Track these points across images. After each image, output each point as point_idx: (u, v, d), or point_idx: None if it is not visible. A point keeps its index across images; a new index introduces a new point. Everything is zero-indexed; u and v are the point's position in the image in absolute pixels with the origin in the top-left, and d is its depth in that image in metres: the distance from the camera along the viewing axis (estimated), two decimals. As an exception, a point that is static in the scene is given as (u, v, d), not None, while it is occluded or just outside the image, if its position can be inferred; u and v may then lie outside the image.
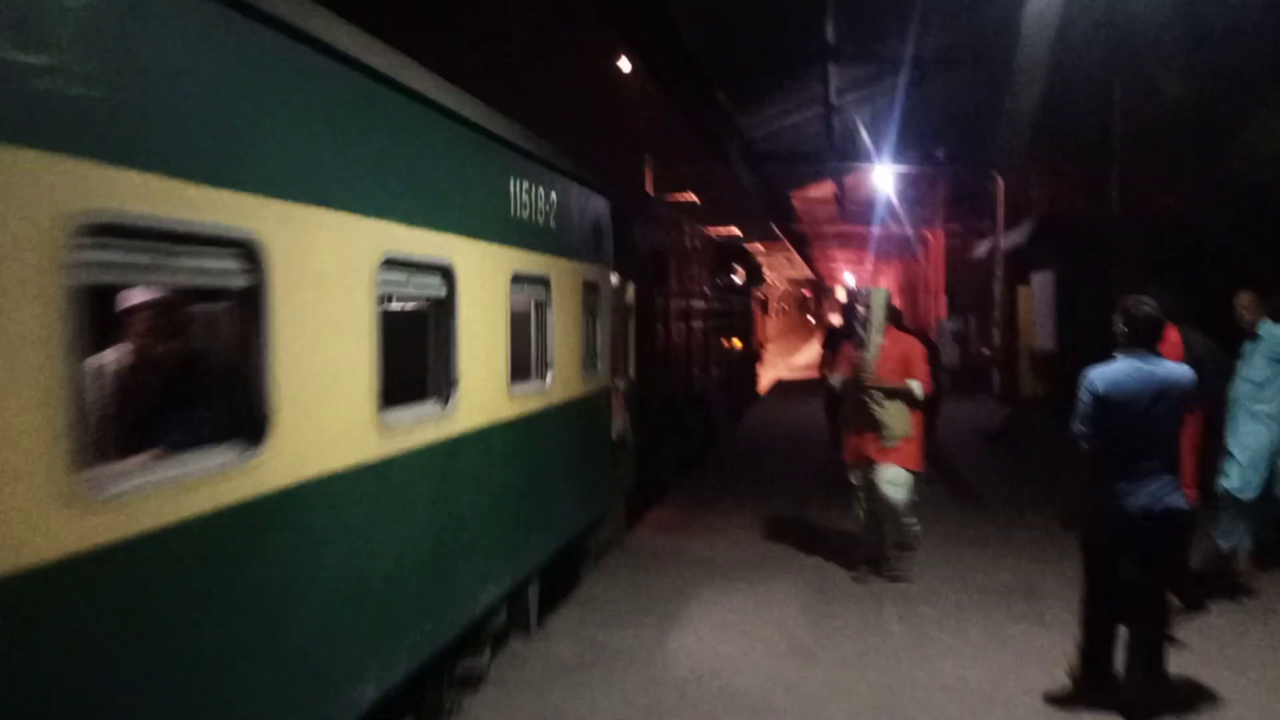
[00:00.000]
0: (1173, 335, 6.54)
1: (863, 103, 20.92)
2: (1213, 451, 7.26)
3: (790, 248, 40.83)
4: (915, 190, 29.63)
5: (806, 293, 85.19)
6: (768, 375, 30.79)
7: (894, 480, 7.46)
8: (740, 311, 20.71)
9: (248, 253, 3.29)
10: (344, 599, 3.93)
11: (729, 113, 18.17)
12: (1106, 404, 5.06)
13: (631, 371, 9.70)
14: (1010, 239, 20.62)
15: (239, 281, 3.30)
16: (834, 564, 8.18)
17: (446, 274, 4.91)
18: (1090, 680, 5.36)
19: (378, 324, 4.19)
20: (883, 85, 19.35)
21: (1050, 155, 19.37)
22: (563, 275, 7.00)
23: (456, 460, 5.05)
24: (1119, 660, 5.30)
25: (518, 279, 5.96)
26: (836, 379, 7.97)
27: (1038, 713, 5.27)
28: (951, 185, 28.28)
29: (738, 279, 20.02)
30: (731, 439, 17.10)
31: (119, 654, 2.70)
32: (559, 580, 7.54)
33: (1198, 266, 12.02)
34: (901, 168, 23.77)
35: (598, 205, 8.11)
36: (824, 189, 33.07)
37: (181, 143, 2.98)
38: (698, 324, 15.00)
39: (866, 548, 7.91)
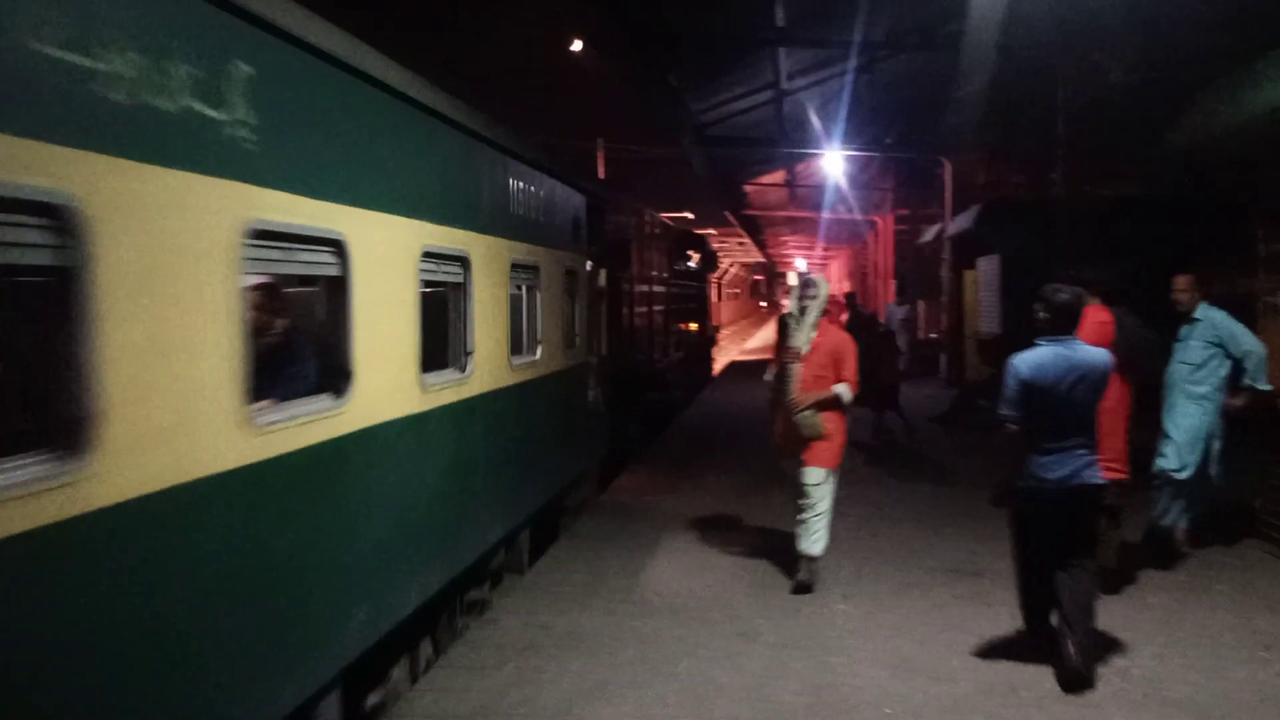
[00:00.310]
0: (1100, 316, 6.77)
1: (813, 87, 20.95)
2: (1150, 429, 7.41)
3: (742, 232, 40.93)
4: (865, 175, 29.79)
5: (758, 277, 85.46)
6: (722, 358, 31.90)
7: (815, 480, 7.05)
8: (696, 296, 21.92)
9: (338, 248, 4.35)
10: (396, 522, 5.03)
11: (680, 94, 18.13)
12: (1030, 388, 5.37)
13: (603, 349, 10.43)
14: (957, 224, 20.83)
15: (332, 270, 4.38)
16: (781, 543, 8.22)
17: (465, 263, 6.01)
18: (1032, 645, 5.69)
19: (419, 303, 5.28)
20: (833, 70, 19.40)
21: (997, 140, 19.56)
22: (549, 263, 7.98)
23: (471, 418, 6.10)
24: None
25: (515, 266, 6.99)
26: (768, 374, 7.50)
27: (979, 689, 5.35)
28: (900, 170, 28.47)
29: (694, 265, 21.16)
30: (687, 416, 17.70)
31: (264, 537, 3.80)
32: (543, 534, 8.33)
33: (1142, 248, 12.24)
34: (850, 152, 23.85)
35: (576, 200, 9.01)
36: (776, 175, 33.25)
37: (303, 167, 4.07)
38: (659, 308, 16.09)
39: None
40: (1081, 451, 5.37)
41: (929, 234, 25.51)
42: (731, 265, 59.96)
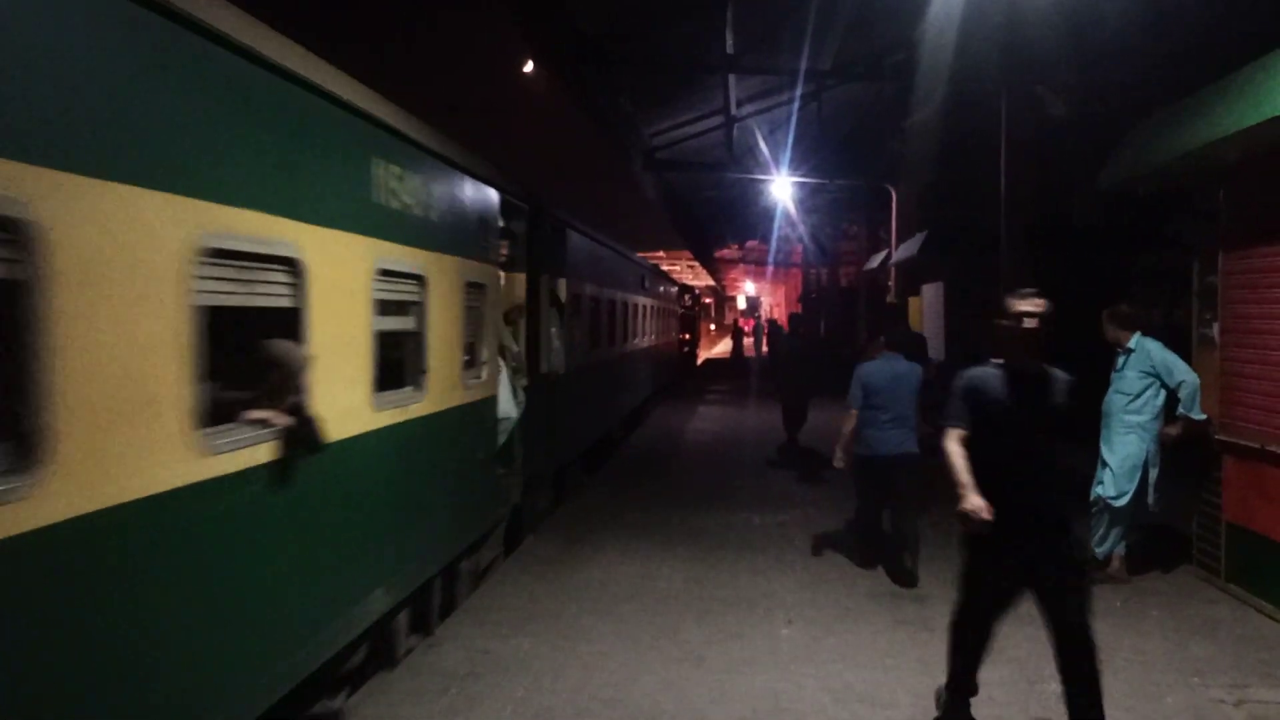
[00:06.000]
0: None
1: (761, 114, 21.18)
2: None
3: (690, 255, 41.23)
4: (811, 201, 30.13)
5: (708, 300, 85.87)
6: (700, 357, 43.45)
7: None
8: (690, 319, 35.93)
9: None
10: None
11: (631, 117, 18.24)
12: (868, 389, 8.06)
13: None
14: (903, 251, 21.12)
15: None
16: (730, 565, 8.23)
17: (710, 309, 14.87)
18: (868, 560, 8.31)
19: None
20: (780, 98, 19.63)
21: (941, 170, 19.90)
22: (671, 307, 25.53)
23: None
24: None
25: (657, 309, 20.98)
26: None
27: (920, 714, 5.38)
28: (848, 198, 28.89)
29: (689, 301, 36.46)
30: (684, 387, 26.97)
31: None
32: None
33: (1082, 277, 12.49)
34: (798, 179, 24.12)
35: (678, 289, 28.01)
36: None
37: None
38: (677, 323, 30.64)
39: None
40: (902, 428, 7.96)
41: (874, 261, 25.83)
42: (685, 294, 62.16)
